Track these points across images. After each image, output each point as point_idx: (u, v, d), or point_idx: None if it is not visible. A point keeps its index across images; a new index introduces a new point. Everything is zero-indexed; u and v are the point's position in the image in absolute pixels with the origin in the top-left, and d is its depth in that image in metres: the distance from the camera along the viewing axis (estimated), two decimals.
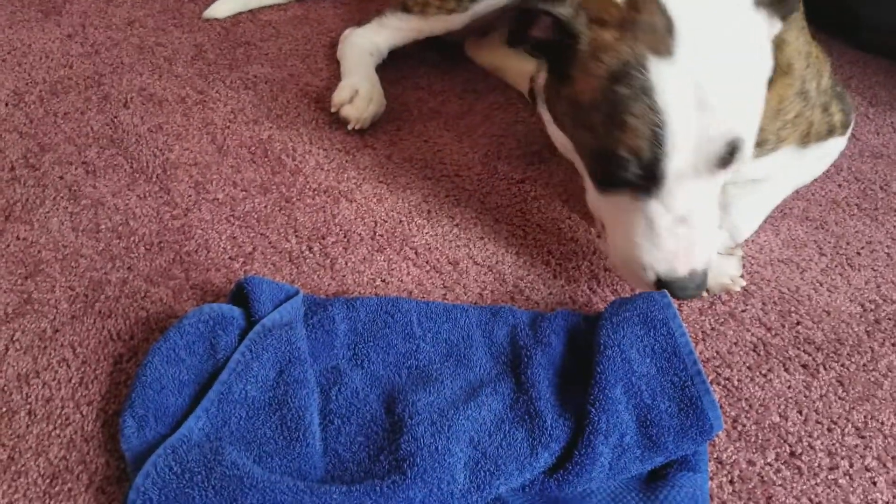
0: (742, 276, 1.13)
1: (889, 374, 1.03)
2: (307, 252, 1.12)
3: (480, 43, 1.62)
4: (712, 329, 1.07)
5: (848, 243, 1.24)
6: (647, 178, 0.92)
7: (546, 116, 1.09)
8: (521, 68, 1.54)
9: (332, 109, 1.36)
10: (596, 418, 0.83)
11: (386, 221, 1.19)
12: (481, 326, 0.96)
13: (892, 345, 1.07)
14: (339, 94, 1.37)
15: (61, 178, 1.22)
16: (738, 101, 0.90)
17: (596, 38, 0.90)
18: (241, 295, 0.95)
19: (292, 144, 1.31)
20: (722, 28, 0.90)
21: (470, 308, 0.99)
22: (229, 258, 1.10)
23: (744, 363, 1.03)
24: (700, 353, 1.03)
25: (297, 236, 1.15)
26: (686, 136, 0.88)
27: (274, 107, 1.40)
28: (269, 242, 1.13)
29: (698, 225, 0.95)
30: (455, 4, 1.45)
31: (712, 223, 0.97)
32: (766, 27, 0.95)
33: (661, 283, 0.96)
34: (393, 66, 1.54)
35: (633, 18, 0.89)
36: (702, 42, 0.88)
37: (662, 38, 0.88)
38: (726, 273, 1.12)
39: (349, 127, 1.34)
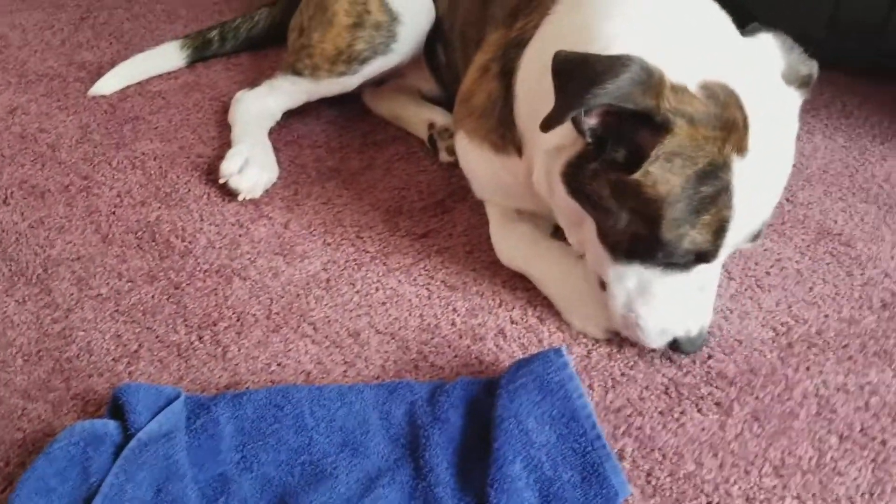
0: None
1: (804, 401, 1.01)
2: (197, 342, 1.07)
3: (378, 92, 1.58)
4: (622, 374, 1.04)
5: (757, 263, 1.22)
6: (691, 263, 0.93)
7: (546, 182, 1.02)
8: (420, 116, 1.51)
9: (221, 181, 1.31)
10: (496, 500, 0.78)
11: (282, 297, 1.14)
12: (378, 408, 0.92)
13: (807, 369, 1.05)
14: (228, 165, 1.32)
15: None
16: (783, 185, 0.93)
17: (687, 135, 0.86)
18: (119, 405, 0.89)
19: (182, 224, 1.26)
20: (780, 116, 0.92)
21: (366, 388, 0.94)
22: (113, 360, 1.04)
23: (655, 408, 1.00)
24: (610, 403, 1.00)
25: (186, 325, 1.10)
26: (743, 226, 0.90)
27: (163, 185, 1.35)
28: (157, 336, 1.08)
29: (712, 289, 0.99)
30: (345, 67, 1.42)
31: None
32: (798, 101, 0.97)
33: (674, 343, 0.99)
34: (289, 125, 1.50)
35: (721, 115, 0.87)
36: (768, 136, 0.89)
37: (743, 136, 0.87)
38: None
39: (240, 198, 1.29)
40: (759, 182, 0.90)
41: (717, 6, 1.03)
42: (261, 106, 1.47)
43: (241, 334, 1.09)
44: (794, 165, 1.42)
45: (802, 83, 0.98)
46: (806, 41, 1.73)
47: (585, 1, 1.02)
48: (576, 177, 0.95)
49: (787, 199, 1.36)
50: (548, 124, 0.87)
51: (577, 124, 0.89)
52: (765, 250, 1.25)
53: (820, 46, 1.72)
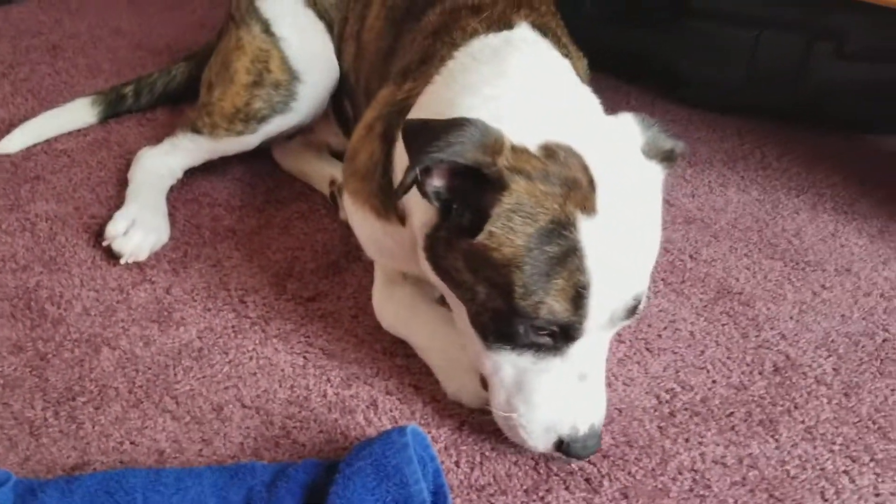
0: None
1: (678, 476, 0.96)
2: (52, 419, 1.03)
3: (286, 147, 1.56)
4: (492, 449, 1.00)
5: (650, 325, 1.19)
6: (558, 340, 0.88)
7: (421, 258, 0.98)
8: (323, 172, 1.49)
9: (104, 243, 1.27)
10: None
11: (150, 369, 1.10)
12: (216, 493, 0.87)
13: (685, 440, 1.01)
14: (114, 226, 1.29)
15: None
16: (649, 256, 0.89)
17: (525, 191, 0.83)
18: None
19: (60, 289, 1.22)
20: (635, 185, 0.88)
21: (206, 472, 0.90)
22: None
23: (521, 486, 0.95)
24: (475, 481, 0.95)
25: (44, 400, 1.05)
26: (606, 295, 0.84)
27: (49, 248, 1.31)
28: (12, 412, 1.04)
29: (597, 378, 0.92)
30: (243, 126, 1.39)
31: (604, 373, 0.94)
32: (660, 176, 0.94)
33: (561, 444, 0.91)
34: (192, 182, 1.47)
35: (560, 173, 0.84)
36: (621, 200, 0.86)
37: (588, 196, 0.84)
38: None
39: (122, 261, 1.26)
40: (615, 247, 0.85)
41: (587, 89, 1.01)
42: (160, 164, 1.45)
43: (99, 409, 1.04)
44: (702, 220, 1.40)
45: (665, 157, 0.94)
46: (726, 89, 1.72)
47: (459, 76, 1.01)
48: (433, 249, 0.93)
49: (691, 256, 1.33)
50: (399, 190, 0.85)
51: (420, 186, 0.86)
52: (659, 311, 1.21)
53: (739, 94, 1.72)
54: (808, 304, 1.23)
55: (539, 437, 0.92)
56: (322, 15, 1.42)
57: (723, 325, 1.18)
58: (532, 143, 0.86)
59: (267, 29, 1.39)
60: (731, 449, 1.00)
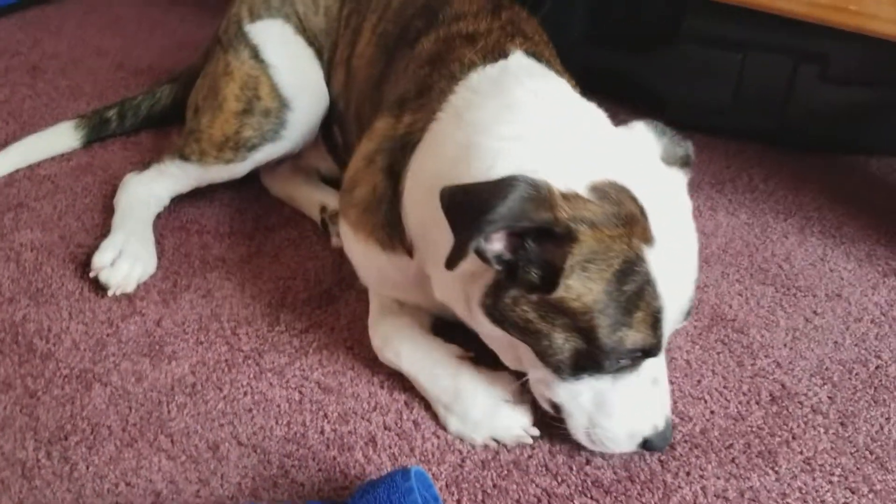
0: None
1: None
2: (44, 460, 1.00)
3: (275, 173, 1.54)
4: (494, 486, 0.99)
5: None
6: (637, 360, 0.91)
7: (465, 307, 0.97)
8: (313, 198, 1.48)
9: (91, 274, 1.25)
10: None
11: (142, 405, 1.08)
12: None
13: (686, 474, 1.01)
14: (100, 257, 1.26)
15: None
16: (695, 258, 0.93)
17: (594, 239, 0.84)
18: None
19: (49, 323, 1.20)
20: (672, 198, 0.92)
21: None
22: None
23: None
24: None
25: (35, 440, 1.03)
26: (674, 311, 0.89)
27: (35, 279, 1.29)
28: (2, 453, 1.01)
29: (664, 378, 0.96)
30: (232, 154, 1.38)
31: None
32: (684, 181, 0.97)
33: (645, 442, 0.95)
34: (179, 209, 1.46)
35: (618, 212, 0.85)
36: (668, 219, 0.89)
37: (644, 226, 0.86)
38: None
39: (109, 293, 1.24)
40: (675, 265, 0.89)
41: (591, 104, 1.02)
42: (147, 191, 1.42)
43: (92, 449, 1.02)
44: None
45: (682, 163, 0.98)
46: (713, 111, 1.74)
47: (465, 113, 0.99)
48: (496, 307, 0.91)
49: None
50: (452, 262, 0.85)
51: (480, 254, 0.86)
52: None
53: (725, 117, 1.74)
54: (801, 330, 1.24)
55: (624, 443, 0.96)
56: (311, 41, 1.41)
57: (718, 353, 1.19)
58: (579, 187, 0.86)
59: (256, 55, 1.38)
60: (731, 482, 1.00)
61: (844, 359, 1.19)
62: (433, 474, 0.99)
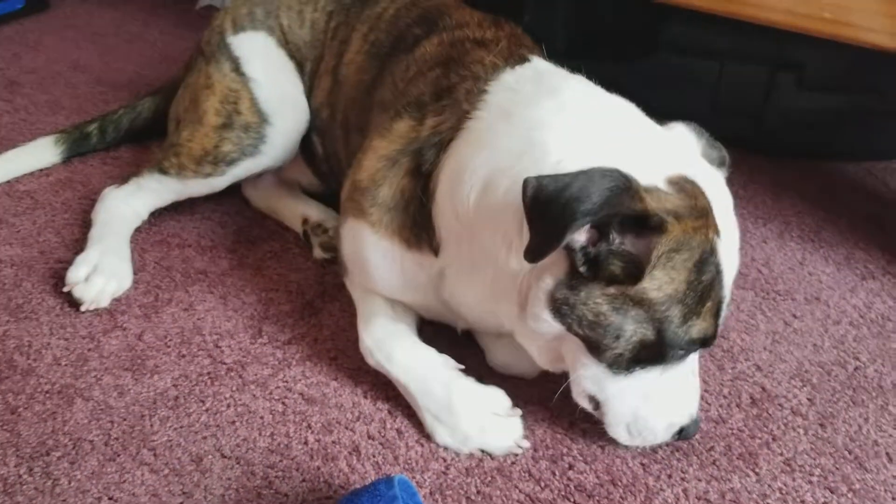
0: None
1: None
2: (26, 476, 1.00)
3: (256, 185, 1.55)
4: (478, 493, 0.99)
5: None
6: (692, 350, 0.94)
7: (517, 307, 0.96)
8: (295, 210, 1.48)
9: (65, 289, 1.24)
10: None
11: (125, 419, 1.08)
12: None
13: (668, 476, 1.02)
14: (74, 272, 1.26)
15: None
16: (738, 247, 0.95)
17: (680, 230, 0.86)
18: None
19: (29, 339, 1.19)
20: (723, 194, 0.95)
21: None
22: None
23: None
24: None
25: (17, 456, 1.02)
26: (728, 300, 0.94)
27: (15, 296, 1.28)
28: None
29: (697, 368, 0.99)
30: (211, 168, 1.38)
31: None
32: (723, 180, 1.00)
33: (679, 431, 0.98)
34: (160, 222, 1.46)
35: (696, 205, 0.88)
36: (725, 213, 0.92)
37: (714, 220, 0.89)
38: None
39: (82, 308, 1.23)
40: (732, 257, 0.93)
41: (631, 104, 1.03)
42: (124, 206, 1.42)
43: (74, 464, 1.02)
44: None
45: (720, 163, 1.02)
46: (691, 119, 1.75)
47: (513, 109, 0.99)
48: (568, 301, 0.90)
49: None
50: (538, 254, 0.84)
51: (568, 246, 0.86)
52: None
53: (705, 126, 1.75)
54: (781, 333, 1.25)
55: (661, 434, 0.98)
56: (293, 54, 1.42)
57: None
58: (658, 181, 0.88)
59: (237, 68, 1.38)
60: (713, 484, 1.01)
61: (823, 361, 1.20)
62: (417, 482, 1.00)
